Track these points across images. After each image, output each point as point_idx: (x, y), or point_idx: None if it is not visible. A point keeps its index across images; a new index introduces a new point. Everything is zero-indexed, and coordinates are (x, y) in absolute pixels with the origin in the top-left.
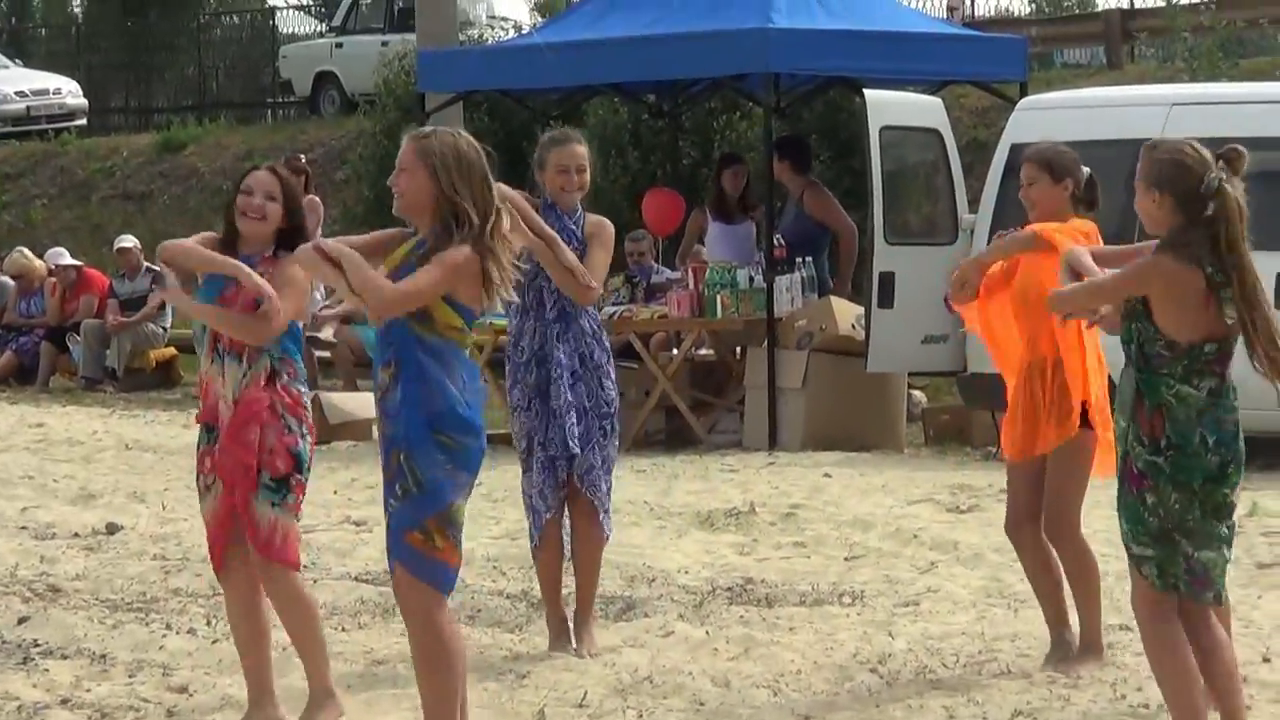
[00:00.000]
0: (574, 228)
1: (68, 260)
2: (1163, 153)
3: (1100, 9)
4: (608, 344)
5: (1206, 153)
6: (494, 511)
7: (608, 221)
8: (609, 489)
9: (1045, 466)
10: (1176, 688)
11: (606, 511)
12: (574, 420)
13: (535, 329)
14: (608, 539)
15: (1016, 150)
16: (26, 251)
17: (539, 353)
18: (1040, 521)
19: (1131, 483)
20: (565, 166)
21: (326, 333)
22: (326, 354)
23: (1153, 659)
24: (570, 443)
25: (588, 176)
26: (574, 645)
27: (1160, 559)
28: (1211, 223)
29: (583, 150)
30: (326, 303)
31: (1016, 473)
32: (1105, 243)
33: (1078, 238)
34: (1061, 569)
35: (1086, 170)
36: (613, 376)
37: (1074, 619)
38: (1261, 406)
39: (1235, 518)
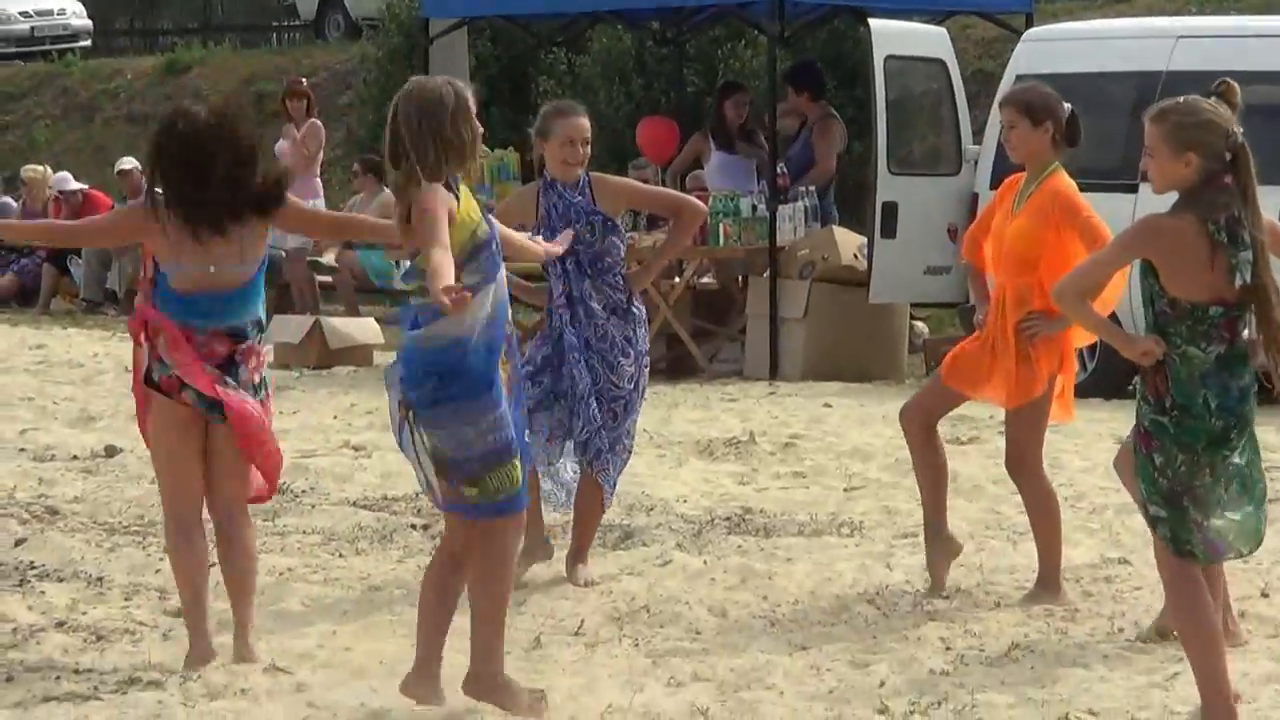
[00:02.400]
0: (581, 199)
1: (73, 185)
2: (1187, 114)
3: None
4: (636, 320)
5: (1221, 106)
6: None
7: (608, 177)
8: (619, 467)
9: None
10: (1200, 650)
11: (612, 486)
12: (589, 404)
13: (551, 308)
14: (608, 507)
15: (1022, 81)
16: (34, 166)
17: (554, 331)
18: (935, 425)
19: (1141, 442)
20: (571, 138)
21: (328, 257)
22: (328, 278)
23: (1176, 621)
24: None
25: (589, 150)
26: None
27: (1173, 523)
28: (1234, 175)
29: (586, 123)
30: None
31: (941, 385)
32: (1103, 175)
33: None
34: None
35: (1068, 107)
36: (633, 354)
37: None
38: None
39: (1255, 470)
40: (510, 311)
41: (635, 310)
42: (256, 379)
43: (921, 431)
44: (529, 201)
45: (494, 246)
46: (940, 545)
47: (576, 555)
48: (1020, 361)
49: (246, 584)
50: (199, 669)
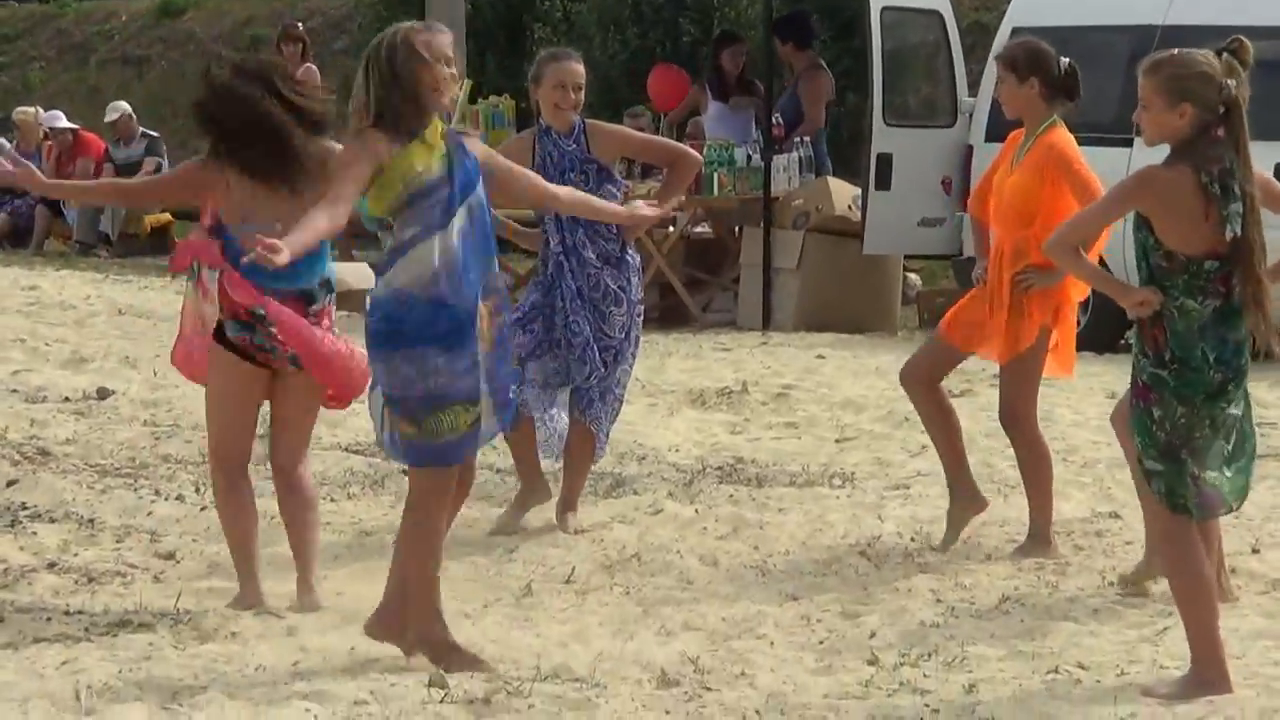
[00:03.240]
0: (575, 148)
1: (63, 123)
2: (1182, 66)
3: None
4: (630, 268)
5: (1214, 59)
6: None
7: (603, 124)
8: (611, 416)
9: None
10: (1193, 606)
11: (605, 435)
12: (592, 351)
13: (545, 256)
14: (600, 457)
15: (1019, 34)
16: (26, 109)
17: (548, 279)
18: (939, 381)
19: (1139, 396)
20: (562, 82)
21: None
22: None
23: (1170, 576)
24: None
25: (583, 96)
26: (557, 523)
27: (1169, 477)
28: (1226, 127)
29: (580, 69)
30: None
31: (940, 343)
32: (1098, 129)
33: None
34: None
35: (1065, 61)
36: (625, 304)
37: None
38: None
39: (1247, 425)
40: (497, 260)
41: (629, 259)
42: None
43: (926, 391)
44: (524, 148)
45: (445, 194)
46: (964, 502)
47: (566, 503)
48: (1013, 314)
49: (310, 533)
50: (245, 612)
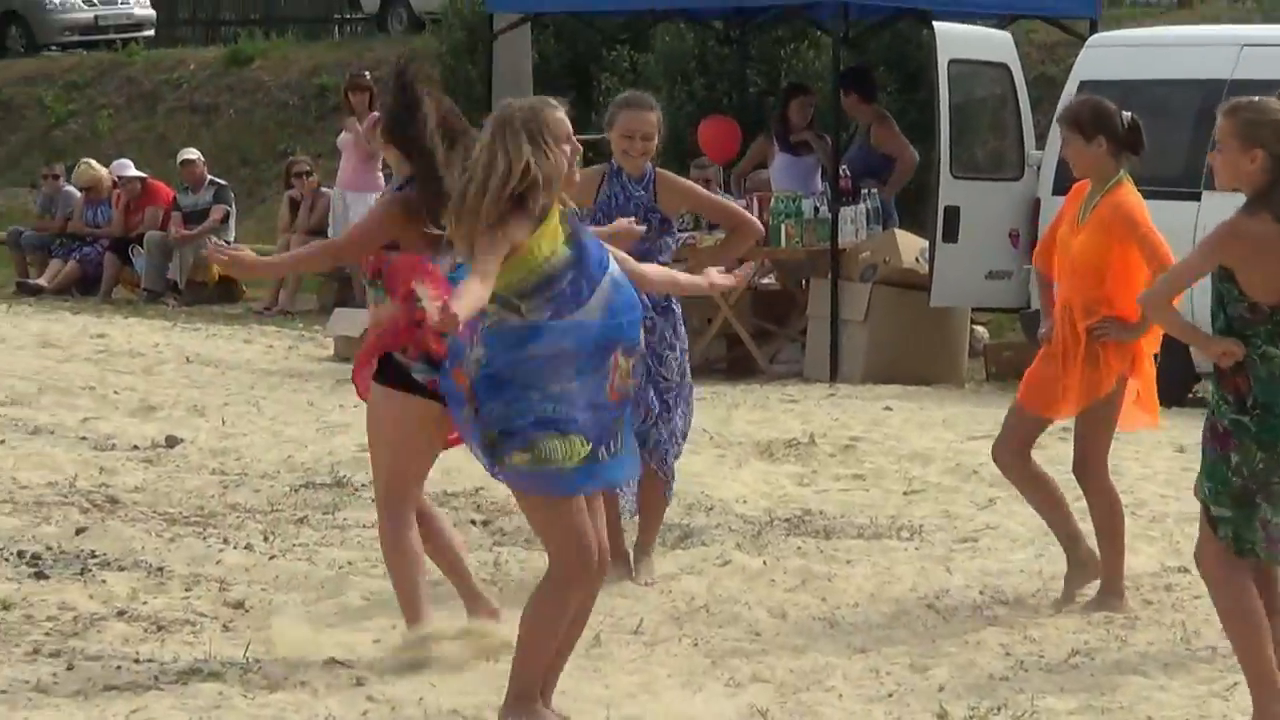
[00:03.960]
0: (643, 194)
1: (132, 172)
2: (1258, 112)
3: None
4: (676, 316)
5: None
6: None
7: (673, 177)
8: (674, 458)
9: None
10: (1249, 648)
11: (671, 476)
12: (646, 393)
13: None
14: (669, 500)
15: (1085, 88)
16: (93, 162)
17: None
18: (1029, 451)
19: (1217, 442)
20: (631, 131)
21: None
22: None
23: (1225, 619)
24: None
25: (654, 144)
26: (632, 572)
27: (1237, 522)
28: None
29: (651, 118)
30: None
31: (1023, 413)
32: (1166, 183)
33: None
34: (1052, 485)
35: (1128, 115)
36: (677, 347)
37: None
38: None
39: None
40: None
41: (674, 308)
42: None
43: (1019, 465)
44: (589, 184)
45: (570, 277)
46: (1079, 571)
47: (642, 548)
48: (1088, 365)
49: (462, 563)
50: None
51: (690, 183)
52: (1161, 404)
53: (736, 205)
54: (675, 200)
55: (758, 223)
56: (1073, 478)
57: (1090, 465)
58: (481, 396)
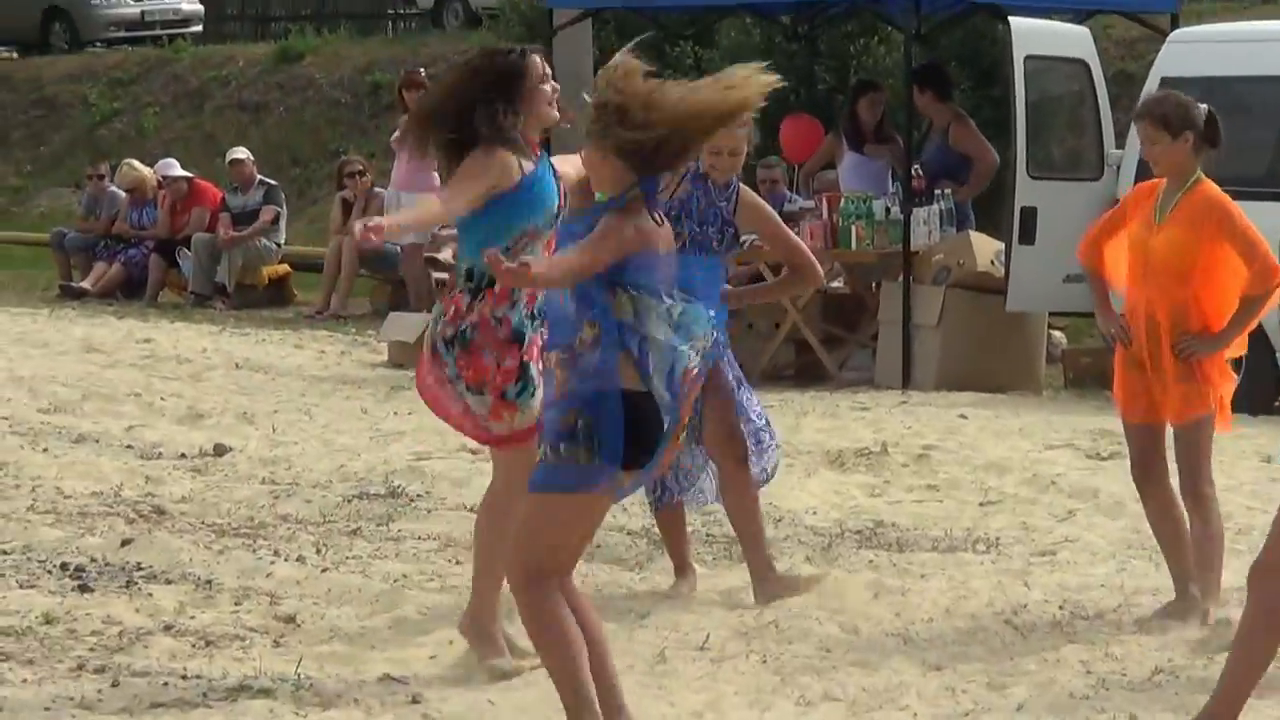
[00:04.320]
0: (724, 204)
1: (178, 171)
2: None
3: None
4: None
5: None
6: None
7: (755, 200)
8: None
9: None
10: None
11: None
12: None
13: None
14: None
15: (1167, 84)
16: (136, 163)
17: None
18: (1165, 467)
19: None
20: (719, 148)
21: (445, 253)
22: (444, 275)
23: None
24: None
25: (743, 159)
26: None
27: None
28: None
29: (742, 134)
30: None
31: (1134, 429)
32: (1250, 183)
33: None
34: (1185, 518)
35: (1204, 108)
36: (728, 355)
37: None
38: None
39: None
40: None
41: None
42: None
43: (1159, 494)
44: (670, 177)
45: None
46: (1181, 607)
47: (754, 571)
48: (1184, 379)
49: None
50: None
51: (770, 210)
52: (1249, 411)
53: (803, 246)
54: (750, 221)
55: (818, 270)
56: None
57: (1198, 484)
58: None
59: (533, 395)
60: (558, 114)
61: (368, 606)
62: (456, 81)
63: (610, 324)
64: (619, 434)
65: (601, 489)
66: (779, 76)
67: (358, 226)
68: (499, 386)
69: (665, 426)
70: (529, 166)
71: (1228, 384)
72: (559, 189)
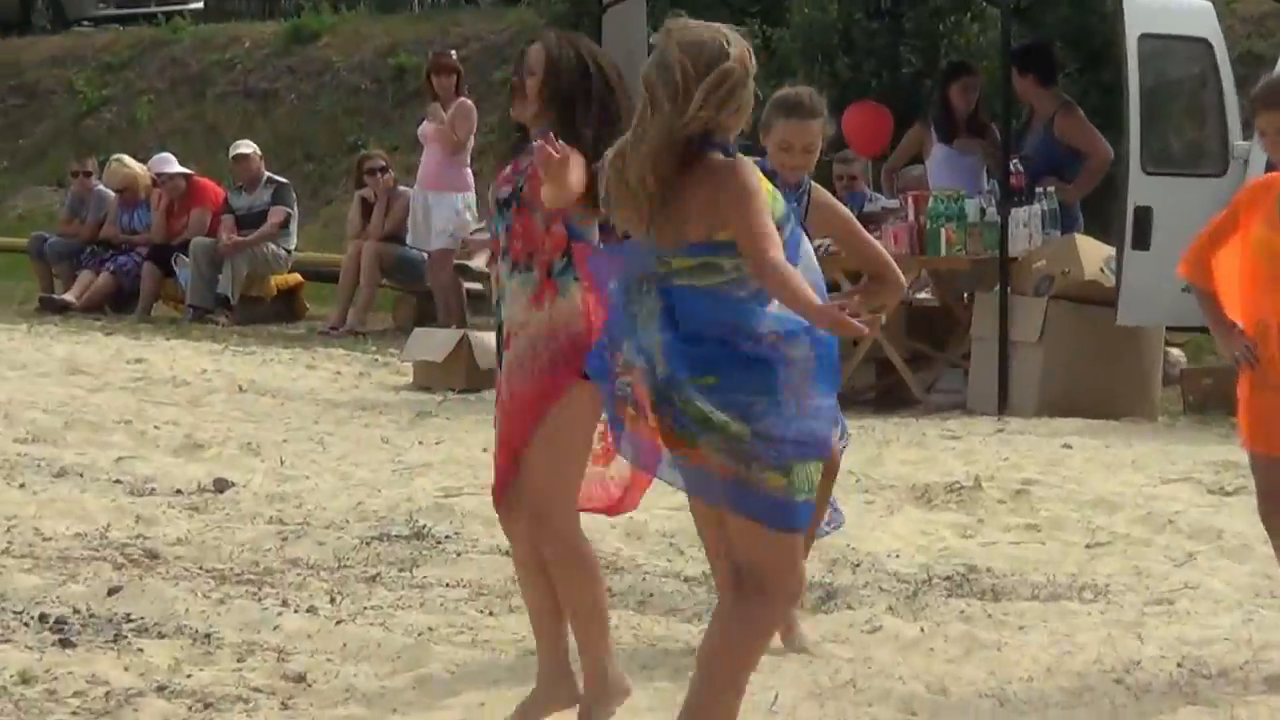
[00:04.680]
0: (794, 205)
1: (175, 168)
2: None
3: None
4: None
5: None
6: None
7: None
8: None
9: None
10: None
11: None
12: None
13: None
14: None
15: None
16: (127, 159)
17: None
18: None
19: None
20: (790, 144)
21: (479, 260)
22: (478, 285)
23: None
24: None
25: (816, 156)
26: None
27: None
28: None
29: (817, 126)
30: (479, 225)
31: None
32: None
33: None
34: None
35: None
36: None
37: None
38: None
39: None
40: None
41: None
42: None
43: None
44: None
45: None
46: None
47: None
48: None
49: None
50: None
51: (847, 212)
52: None
53: (883, 250)
54: (824, 224)
55: (901, 277)
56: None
57: None
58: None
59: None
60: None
61: (388, 664)
62: None
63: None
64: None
65: None
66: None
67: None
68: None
69: None
70: None
71: None
72: None
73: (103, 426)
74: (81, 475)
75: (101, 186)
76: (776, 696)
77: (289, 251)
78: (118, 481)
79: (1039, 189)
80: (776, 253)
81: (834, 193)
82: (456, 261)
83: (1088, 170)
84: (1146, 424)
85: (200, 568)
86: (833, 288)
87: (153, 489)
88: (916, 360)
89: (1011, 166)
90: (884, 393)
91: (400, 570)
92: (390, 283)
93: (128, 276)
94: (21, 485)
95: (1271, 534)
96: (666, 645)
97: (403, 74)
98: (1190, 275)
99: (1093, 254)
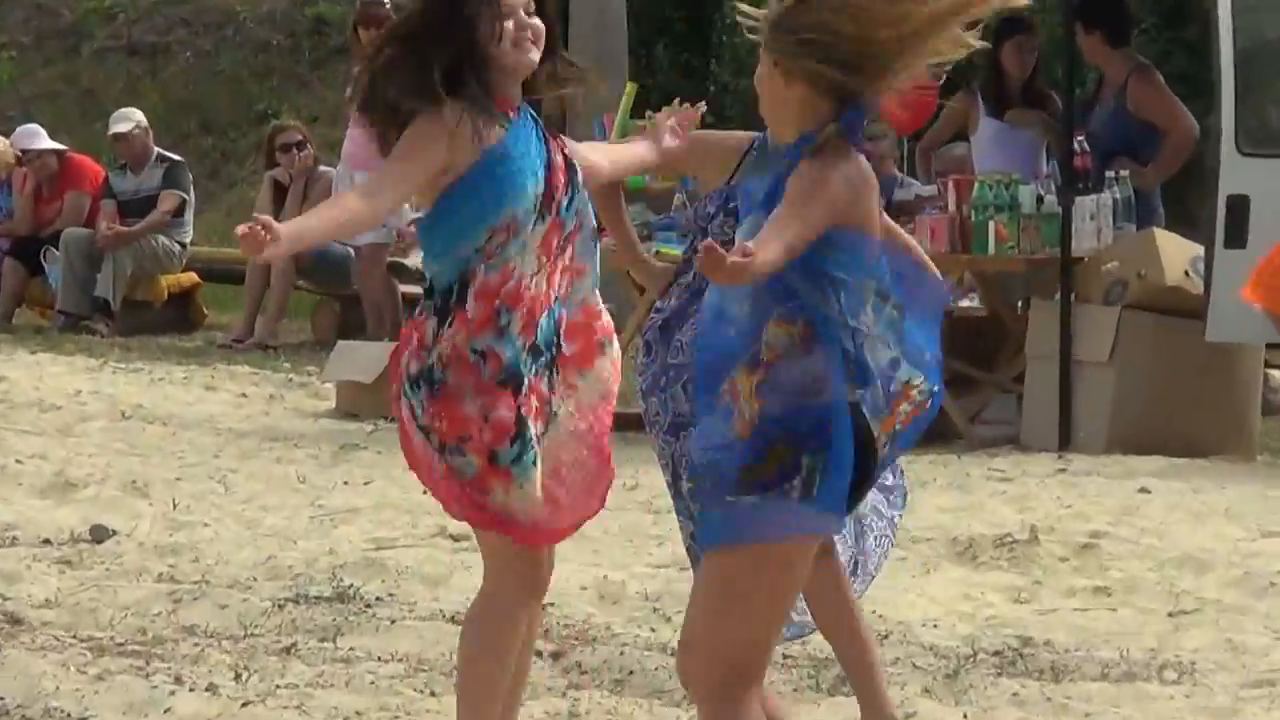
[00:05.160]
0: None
1: (45, 143)
2: None
3: None
4: None
5: None
6: (656, 528)
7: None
8: None
9: None
10: None
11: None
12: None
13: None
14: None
15: None
16: None
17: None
18: None
19: None
20: None
21: (415, 258)
22: (416, 289)
23: None
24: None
25: None
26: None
27: None
28: None
29: None
30: (416, 215)
31: None
32: None
33: None
34: None
35: None
36: None
37: None
38: None
39: None
40: None
41: None
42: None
43: None
44: (726, 155)
45: None
46: None
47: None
48: None
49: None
50: None
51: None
52: None
53: (922, 252)
54: None
55: (944, 284)
56: None
57: None
58: None
59: (534, 464)
60: (534, 57)
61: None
62: (398, 23)
63: (821, 315)
64: (847, 467)
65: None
66: None
67: (240, 231)
68: (487, 446)
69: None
70: (496, 135)
71: None
72: (555, 167)
73: None
74: None
75: None
76: None
77: (183, 245)
78: None
79: (1109, 173)
80: None
81: None
82: (390, 259)
83: (1169, 150)
84: (1242, 463)
85: (74, 636)
86: None
87: (15, 539)
88: (959, 383)
89: (1076, 145)
90: None
91: (321, 640)
92: (308, 285)
93: None
94: None
95: None
96: None
97: (322, 27)
98: (1256, 299)
99: (1176, 253)
